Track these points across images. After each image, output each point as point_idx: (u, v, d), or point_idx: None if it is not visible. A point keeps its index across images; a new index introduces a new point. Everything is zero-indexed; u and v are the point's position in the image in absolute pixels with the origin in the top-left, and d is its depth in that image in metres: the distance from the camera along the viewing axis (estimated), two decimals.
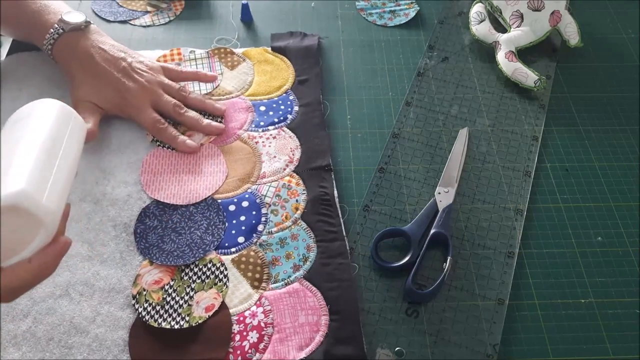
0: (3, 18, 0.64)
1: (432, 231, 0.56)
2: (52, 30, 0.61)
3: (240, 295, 0.52)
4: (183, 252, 0.54)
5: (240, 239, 0.55)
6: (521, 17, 0.72)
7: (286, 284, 0.53)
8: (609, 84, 0.72)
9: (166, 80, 0.64)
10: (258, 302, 0.52)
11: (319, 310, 0.51)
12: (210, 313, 0.50)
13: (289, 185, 0.59)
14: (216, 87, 0.67)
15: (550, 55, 0.75)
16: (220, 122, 0.64)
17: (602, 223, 0.59)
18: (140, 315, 0.50)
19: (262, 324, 0.50)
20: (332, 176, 0.60)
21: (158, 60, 0.69)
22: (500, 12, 0.74)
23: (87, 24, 0.63)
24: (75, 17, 0.62)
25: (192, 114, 0.63)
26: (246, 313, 0.51)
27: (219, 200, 0.58)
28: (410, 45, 0.75)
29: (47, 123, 0.39)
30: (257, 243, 0.55)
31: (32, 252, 0.36)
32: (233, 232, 0.56)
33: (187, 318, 0.50)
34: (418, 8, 0.80)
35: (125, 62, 0.62)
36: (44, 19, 0.62)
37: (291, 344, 0.49)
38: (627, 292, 0.55)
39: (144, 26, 0.75)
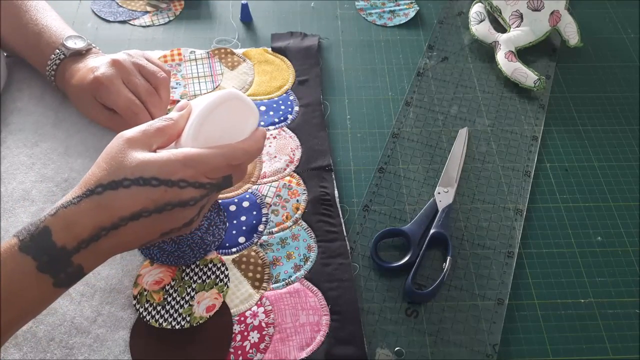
0: (8, 41, 0.63)
1: (431, 231, 0.56)
2: (53, 56, 0.59)
3: (241, 295, 0.52)
4: (184, 253, 0.54)
5: (241, 239, 0.55)
6: (521, 17, 0.72)
7: (287, 284, 0.53)
8: (609, 84, 0.73)
9: (142, 61, 0.58)
10: (259, 302, 0.52)
11: (320, 310, 0.51)
12: (211, 313, 0.50)
13: (289, 185, 0.59)
14: (217, 87, 0.67)
15: (550, 55, 0.75)
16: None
17: (602, 223, 0.60)
18: (141, 316, 0.50)
19: (263, 324, 0.50)
20: (333, 176, 0.61)
21: None
22: (500, 12, 0.74)
23: (89, 48, 0.60)
24: (76, 42, 0.59)
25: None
26: (247, 313, 0.51)
27: (220, 201, 0.58)
28: (409, 45, 0.76)
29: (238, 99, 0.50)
30: (258, 243, 0.55)
31: (248, 134, 0.49)
32: (234, 232, 0.56)
33: (188, 318, 0.50)
34: (418, 8, 0.80)
35: (110, 56, 0.57)
36: (44, 43, 0.60)
37: (292, 344, 0.49)
38: (627, 292, 0.55)
39: (143, 26, 0.75)
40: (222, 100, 0.47)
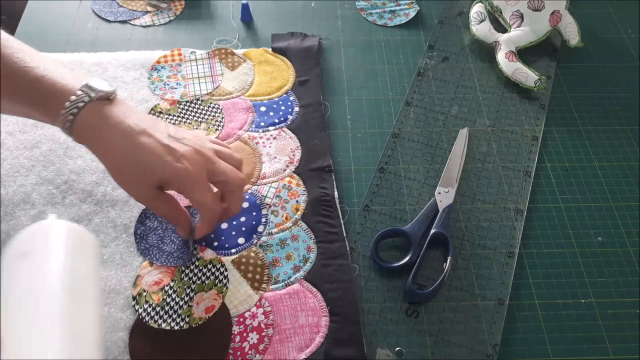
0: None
1: (432, 231, 0.56)
2: (73, 97, 0.46)
3: (240, 296, 0.52)
4: (183, 253, 0.54)
5: (241, 240, 0.55)
6: (521, 17, 0.72)
7: (286, 285, 0.53)
8: (609, 84, 0.72)
9: (217, 146, 0.53)
10: (258, 303, 0.52)
11: (319, 311, 0.51)
12: (211, 314, 0.50)
13: (289, 186, 0.59)
14: (217, 88, 0.67)
15: (550, 55, 0.75)
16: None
17: (602, 223, 0.59)
18: (140, 316, 0.50)
19: (262, 325, 0.50)
20: (333, 177, 0.60)
21: (159, 62, 0.69)
22: (500, 12, 0.74)
23: (114, 93, 0.49)
24: (102, 84, 0.48)
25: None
26: (246, 314, 0.51)
27: None
28: (410, 45, 0.75)
29: (61, 259, 0.32)
30: (257, 244, 0.55)
31: None
32: (233, 233, 0.56)
33: (187, 319, 0.50)
34: (418, 8, 0.80)
35: (169, 130, 0.50)
36: (58, 85, 0.47)
37: (291, 345, 0.49)
38: (627, 292, 0.55)
39: (144, 26, 0.75)
40: None
